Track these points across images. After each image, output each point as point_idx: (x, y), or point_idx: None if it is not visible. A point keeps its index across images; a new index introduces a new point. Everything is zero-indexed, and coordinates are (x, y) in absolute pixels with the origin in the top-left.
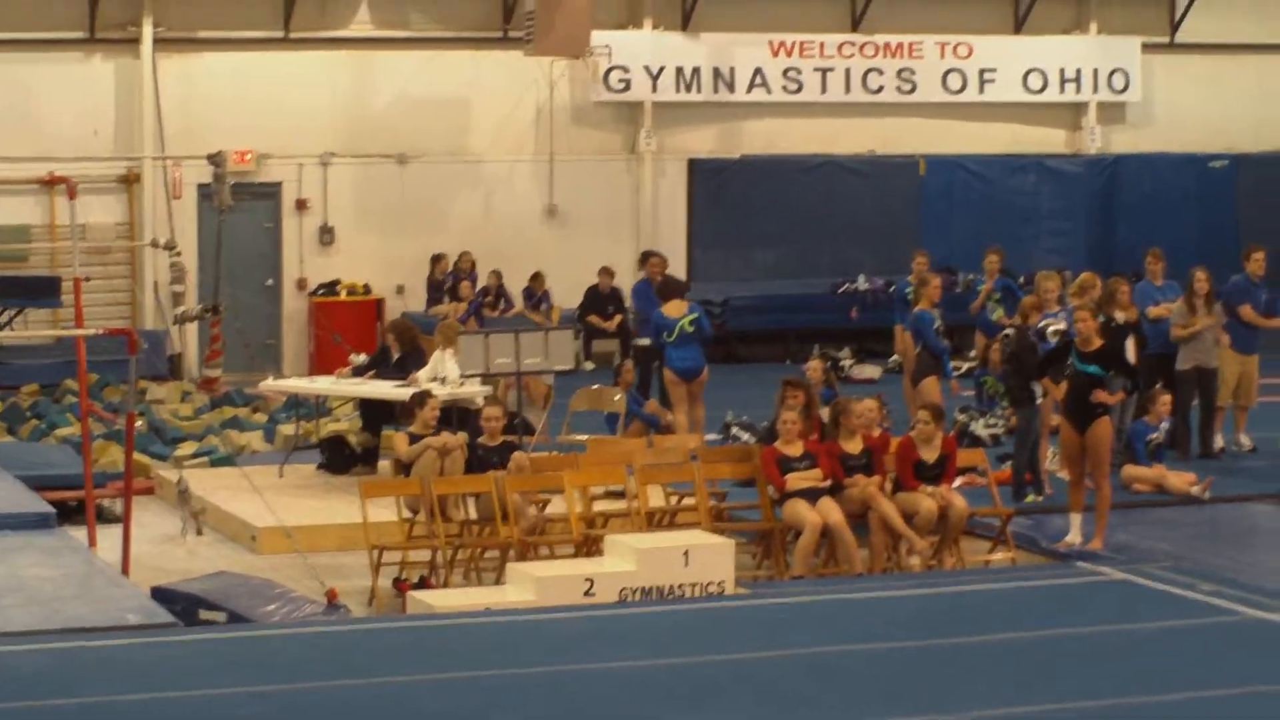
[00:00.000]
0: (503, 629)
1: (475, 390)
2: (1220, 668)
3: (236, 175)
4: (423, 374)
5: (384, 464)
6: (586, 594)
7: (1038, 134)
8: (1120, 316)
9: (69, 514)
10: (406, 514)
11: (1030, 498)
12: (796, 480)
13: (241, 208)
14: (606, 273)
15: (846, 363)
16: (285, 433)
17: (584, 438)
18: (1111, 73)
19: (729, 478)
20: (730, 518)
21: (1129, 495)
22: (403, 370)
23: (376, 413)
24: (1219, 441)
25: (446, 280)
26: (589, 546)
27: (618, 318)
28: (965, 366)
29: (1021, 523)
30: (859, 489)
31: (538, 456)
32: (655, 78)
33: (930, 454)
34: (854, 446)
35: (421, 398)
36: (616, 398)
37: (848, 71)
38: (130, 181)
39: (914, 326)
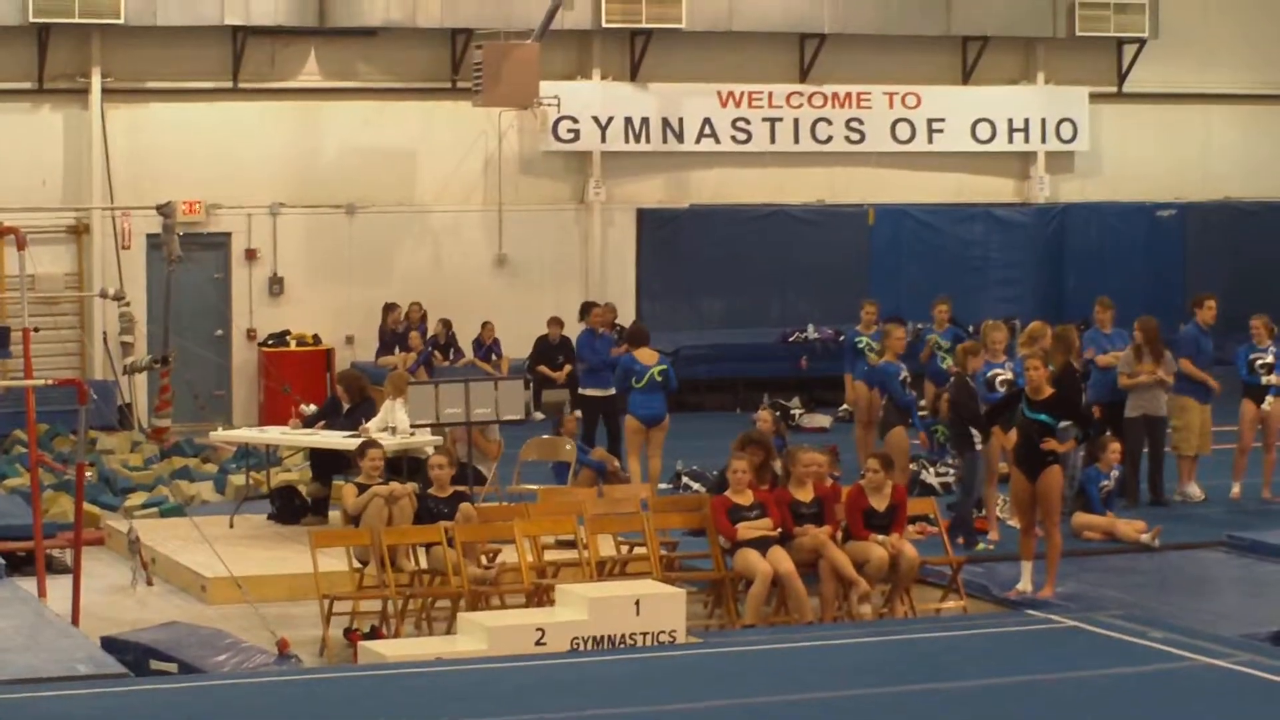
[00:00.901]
0: (455, 678)
1: (425, 440)
2: (1171, 715)
3: (185, 225)
4: (373, 424)
5: (335, 514)
6: (538, 643)
7: (986, 183)
8: (1077, 364)
9: (18, 564)
10: (357, 564)
11: (981, 546)
12: (747, 530)
13: (191, 258)
14: (556, 323)
15: (797, 411)
16: (236, 483)
17: (535, 487)
18: (1059, 122)
19: (680, 527)
20: (681, 567)
21: (1079, 543)
22: (353, 421)
23: (327, 463)
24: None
25: (401, 329)
26: (540, 596)
27: (567, 368)
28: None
29: (973, 571)
30: (810, 538)
31: (487, 507)
32: (604, 128)
33: (880, 503)
34: (805, 495)
35: (363, 448)
36: (568, 447)
37: (796, 121)
38: (79, 232)
39: (879, 379)
